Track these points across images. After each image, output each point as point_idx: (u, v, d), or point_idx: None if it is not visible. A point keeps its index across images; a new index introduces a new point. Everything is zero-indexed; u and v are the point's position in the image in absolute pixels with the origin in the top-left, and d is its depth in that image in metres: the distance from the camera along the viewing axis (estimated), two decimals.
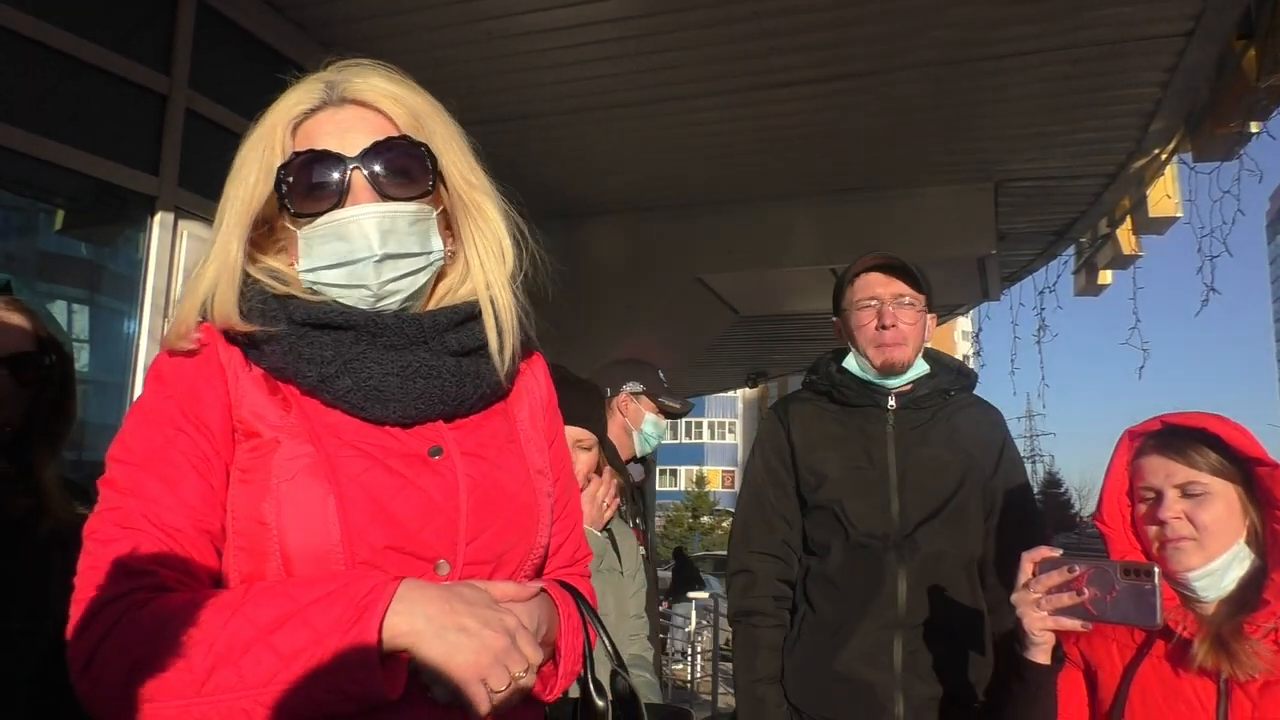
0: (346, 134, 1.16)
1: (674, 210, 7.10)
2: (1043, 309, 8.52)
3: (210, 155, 1.09)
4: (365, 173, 1.15)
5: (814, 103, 5.27)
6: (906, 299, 2.41)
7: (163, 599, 1.00)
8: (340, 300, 1.17)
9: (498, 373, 1.23)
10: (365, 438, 1.13)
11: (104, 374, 4.08)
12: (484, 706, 1.01)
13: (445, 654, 1.00)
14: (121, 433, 1.11)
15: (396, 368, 1.14)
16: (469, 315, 1.21)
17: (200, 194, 4.02)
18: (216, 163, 1.23)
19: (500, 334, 1.22)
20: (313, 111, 1.19)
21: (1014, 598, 1.67)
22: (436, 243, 1.20)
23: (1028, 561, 1.67)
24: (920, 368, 2.45)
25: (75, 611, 1.01)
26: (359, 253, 1.14)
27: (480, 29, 4.55)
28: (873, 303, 2.41)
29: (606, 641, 1.32)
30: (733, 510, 2.96)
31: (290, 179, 1.15)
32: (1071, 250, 8.07)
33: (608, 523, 2.57)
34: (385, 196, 1.15)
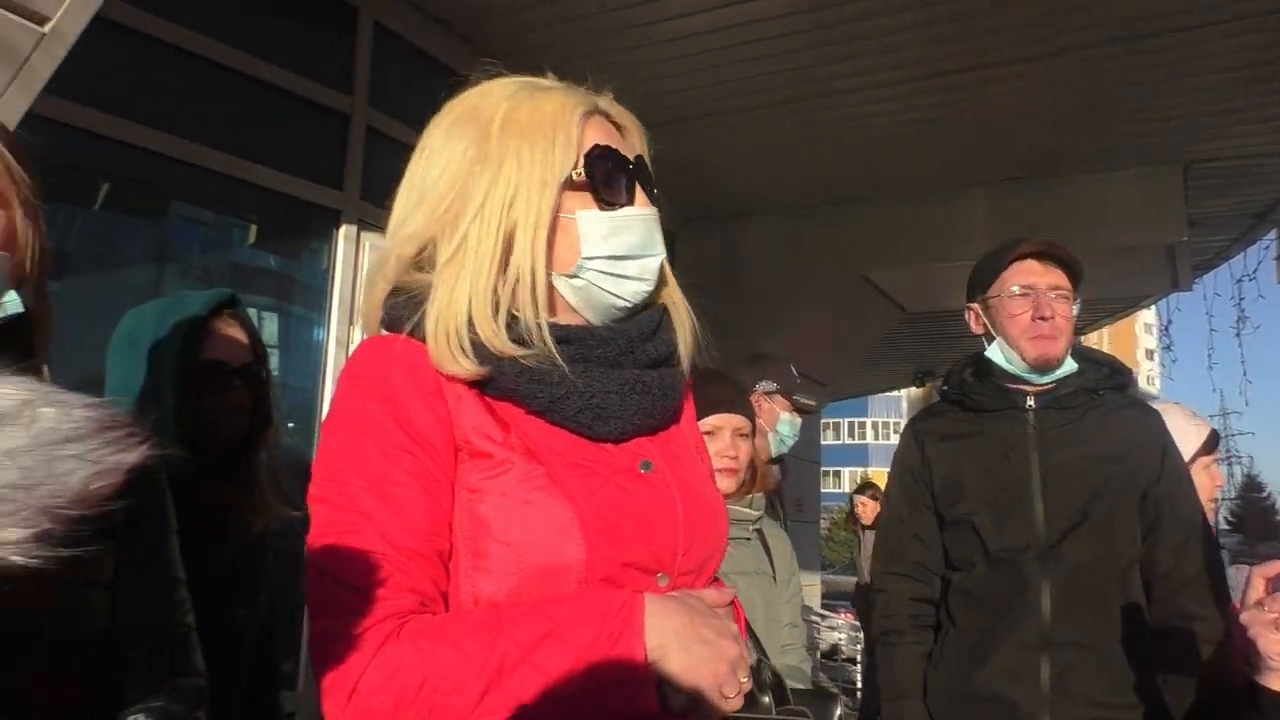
0: (622, 142, 1.21)
1: (839, 207, 6.97)
2: (1241, 298, 7.95)
3: (389, 169, 1.15)
4: (640, 180, 1.20)
5: (984, 89, 5.09)
6: (1064, 292, 2.27)
7: (416, 624, 1.00)
8: (610, 289, 1.17)
9: (684, 383, 1.26)
10: (585, 455, 1.13)
11: (293, 379, 4.35)
12: (720, 713, 1.03)
13: (690, 665, 1.00)
14: (329, 448, 1.09)
15: (615, 384, 1.15)
16: (658, 324, 1.22)
17: (381, 206, 4.21)
18: (395, 176, 1.25)
19: (685, 339, 1.24)
20: (591, 114, 1.20)
21: (1245, 618, 1.50)
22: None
23: (1259, 578, 1.50)
24: (1069, 365, 2.28)
25: (325, 644, 1.00)
26: (652, 249, 1.19)
27: (641, 34, 4.60)
28: (1030, 291, 2.26)
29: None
30: None
31: (597, 169, 1.16)
32: (1273, 234, 7.48)
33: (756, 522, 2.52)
34: (645, 205, 1.21)
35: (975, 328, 2.41)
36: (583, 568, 1.05)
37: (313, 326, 4.40)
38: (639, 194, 1.19)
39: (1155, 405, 3.15)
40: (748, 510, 2.46)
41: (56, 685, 1.18)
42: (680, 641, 1.01)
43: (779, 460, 3.41)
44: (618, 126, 1.23)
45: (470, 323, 1.09)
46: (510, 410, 1.11)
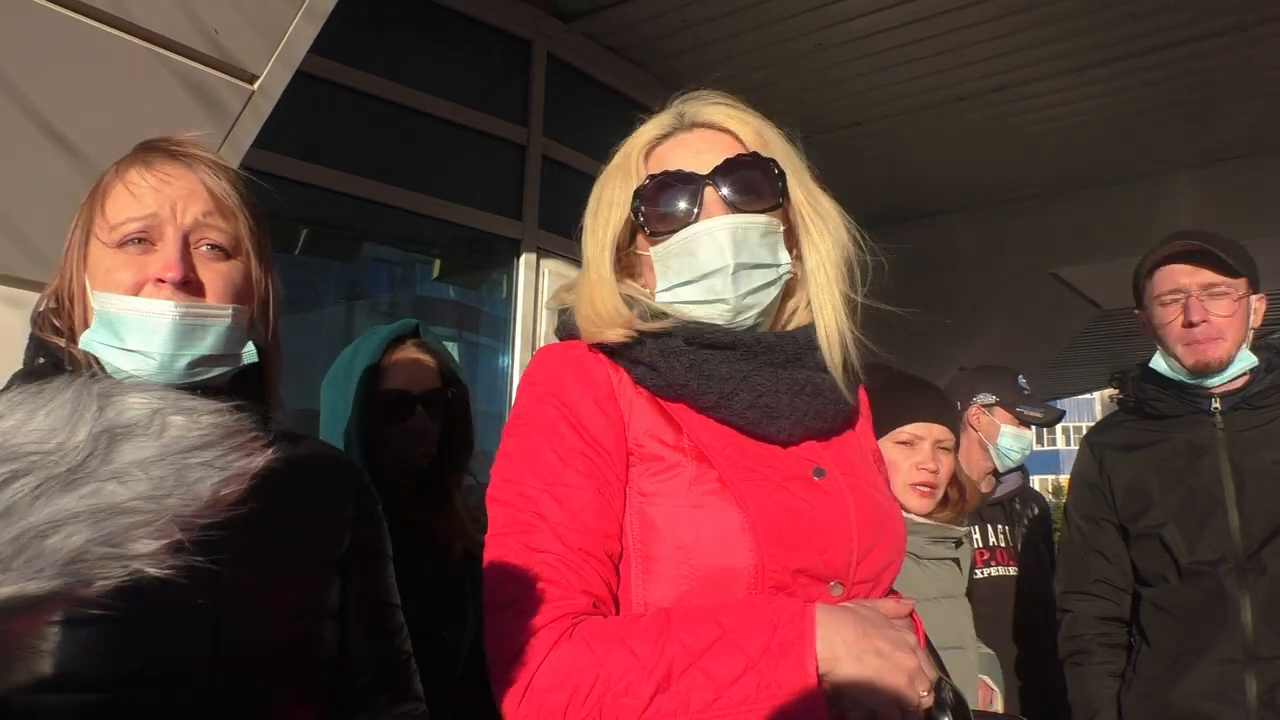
0: (699, 155, 1.19)
1: (1024, 203, 6.65)
2: None
3: (566, 197, 1.18)
4: (717, 188, 1.17)
5: (1183, 66, 4.73)
6: (1220, 288, 2.13)
7: (589, 624, 1.02)
8: (699, 317, 1.17)
9: (854, 392, 1.24)
10: (757, 460, 1.13)
11: (482, 406, 4.46)
12: None
13: (864, 677, 0.98)
14: (507, 450, 1.13)
15: (786, 385, 1.15)
16: (810, 341, 1.21)
17: (559, 234, 4.30)
18: (572, 204, 1.28)
19: (838, 357, 1.20)
20: (664, 138, 1.24)
21: None
22: (784, 255, 1.20)
23: None
24: (1245, 360, 2.13)
25: (500, 641, 1.03)
26: (713, 264, 1.15)
27: (810, 41, 4.52)
28: (1178, 296, 2.16)
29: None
30: None
31: (646, 199, 1.18)
32: None
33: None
34: (737, 210, 1.16)
35: (1145, 332, 2.32)
36: (752, 573, 1.06)
37: (497, 355, 4.51)
38: (709, 206, 1.16)
39: None
40: (953, 529, 2.31)
41: (297, 712, 1.21)
42: (853, 653, 0.98)
43: (1019, 469, 3.24)
44: (722, 130, 1.22)
45: (614, 309, 1.16)
46: (683, 413, 1.13)
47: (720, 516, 1.07)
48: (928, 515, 2.26)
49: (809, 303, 1.23)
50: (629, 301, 1.18)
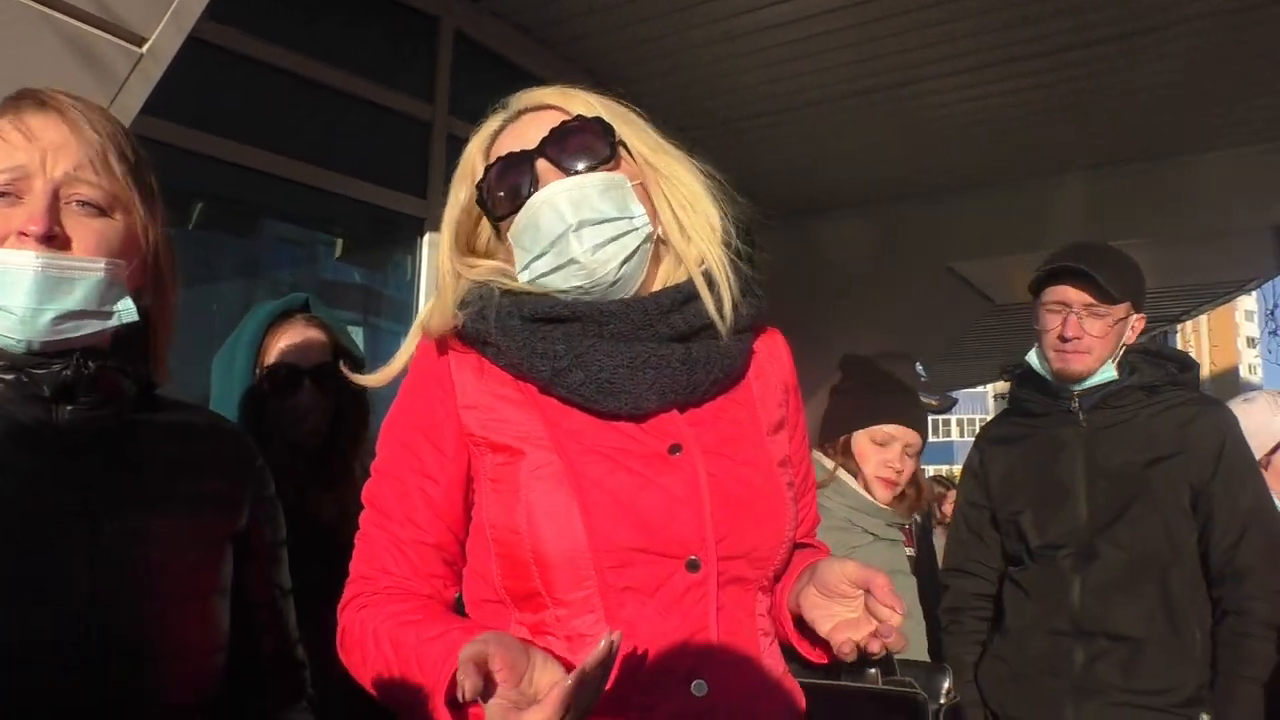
0: (527, 135, 1.20)
1: (921, 198, 6.79)
2: None
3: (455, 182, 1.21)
4: (546, 158, 1.18)
5: (1076, 70, 4.90)
6: (1100, 309, 2.30)
7: (374, 605, 1.16)
8: (560, 289, 1.17)
9: (729, 353, 1.21)
10: (605, 440, 1.14)
11: (380, 391, 4.37)
12: None
13: None
14: (379, 445, 1.24)
15: (625, 359, 1.13)
16: (690, 295, 1.18)
17: None
18: None
19: (722, 308, 1.18)
20: (498, 133, 1.25)
21: None
22: (637, 207, 1.18)
23: None
24: (1106, 374, 2.33)
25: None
26: (556, 228, 1.15)
27: (718, 29, 4.54)
28: (1060, 310, 2.34)
29: None
30: None
31: (487, 189, 1.21)
32: None
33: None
34: (571, 174, 1.18)
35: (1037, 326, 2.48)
36: (588, 552, 1.08)
37: (399, 338, 4.44)
38: (543, 176, 1.18)
39: (1246, 394, 3.10)
40: (904, 518, 2.63)
41: (184, 693, 1.17)
42: None
43: None
44: (548, 109, 1.23)
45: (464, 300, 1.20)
46: (530, 390, 1.16)
47: (552, 500, 1.10)
48: (887, 504, 2.57)
49: (682, 265, 1.22)
50: (485, 287, 1.20)
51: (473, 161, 1.26)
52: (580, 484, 1.10)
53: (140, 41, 1.89)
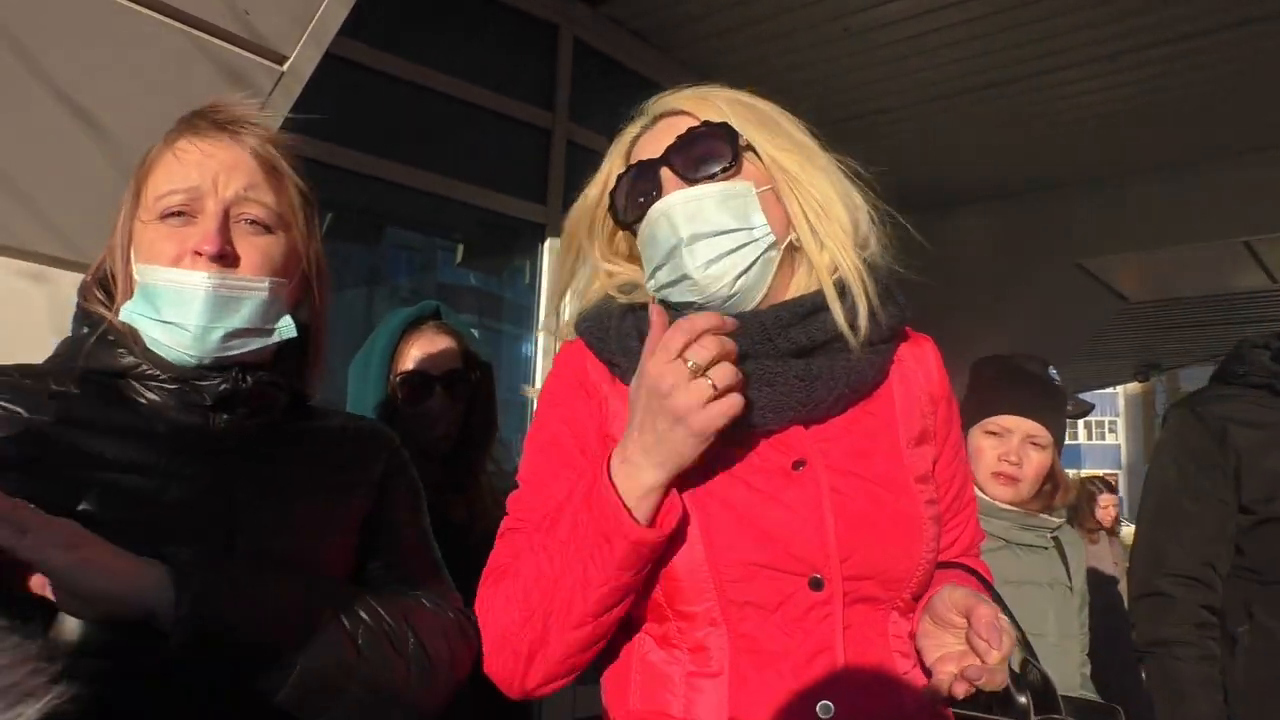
0: (658, 141, 1.20)
1: (1048, 193, 6.57)
2: None
3: (590, 182, 1.23)
4: (670, 167, 1.17)
5: (1215, 55, 4.66)
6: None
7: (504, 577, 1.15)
8: (675, 303, 1.16)
9: (858, 366, 1.16)
10: (729, 456, 1.12)
11: (506, 394, 4.45)
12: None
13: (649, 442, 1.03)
14: (524, 452, 1.24)
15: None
16: (816, 307, 1.15)
17: None
18: None
19: (855, 318, 1.14)
20: (637, 138, 1.26)
21: None
22: (758, 218, 1.15)
23: None
24: None
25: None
26: (670, 241, 1.14)
27: (837, 26, 4.49)
28: None
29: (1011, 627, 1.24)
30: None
31: (617, 196, 1.22)
32: None
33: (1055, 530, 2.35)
34: (691, 183, 1.16)
35: None
36: (706, 565, 1.08)
37: (521, 342, 4.51)
38: (665, 185, 1.17)
39: None
40: (1046, 518, 2.33)
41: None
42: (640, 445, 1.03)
43: None
44: (681, 114, 1.22)
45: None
46: None
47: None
48: (1017, 504, 2.28)
49: (813, 274, 1.18)
50: (603, 304, 1.23)
51: (611, 165, 1.27)
52: (699, 498, 1.09)
53: (282, 60, 1.96)
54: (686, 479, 1.08)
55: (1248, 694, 2.04)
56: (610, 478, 1.03)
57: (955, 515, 1.29)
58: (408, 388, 2.02)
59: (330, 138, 3.48)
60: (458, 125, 4.07)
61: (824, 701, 1.06)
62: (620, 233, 1.28)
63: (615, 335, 1.17)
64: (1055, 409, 2.35)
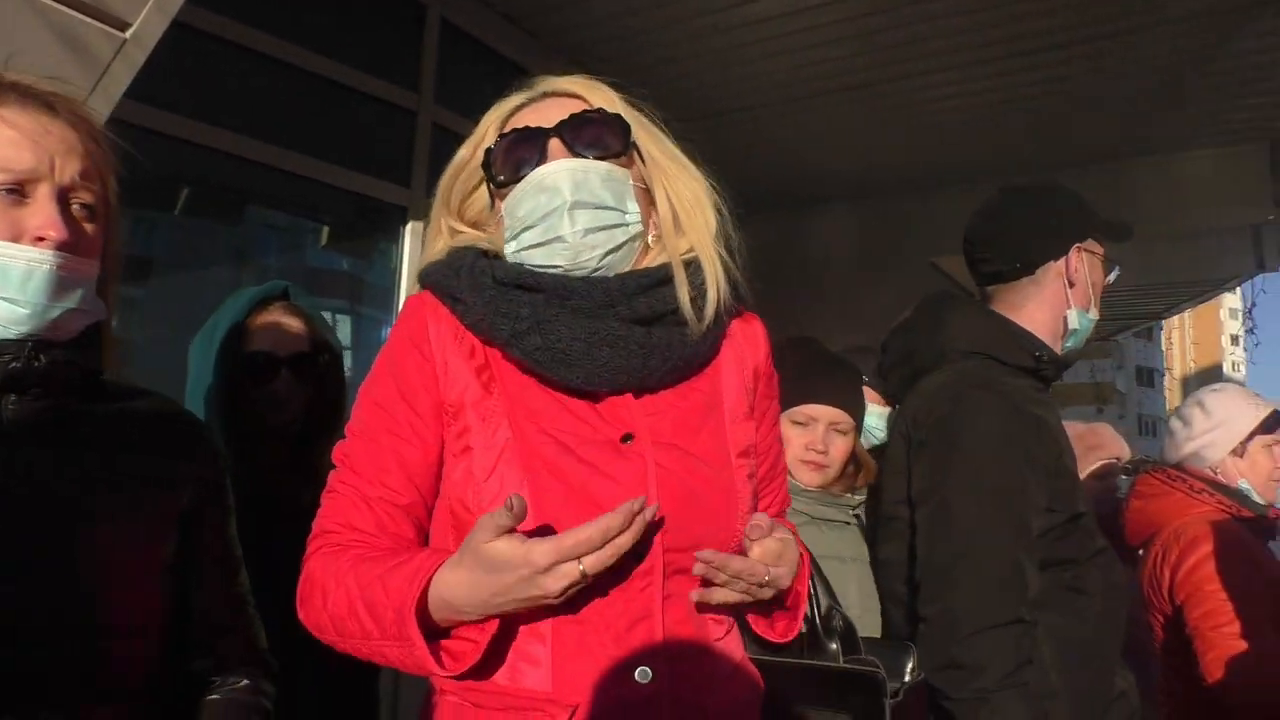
0: (546, 114, 1.25)
1: (906, 193, 6.84)
2: None
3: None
4: (561, 139, 1.22)
5: (1060, 69, 4.93)
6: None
7: (335, 553, 1.17)
8: (541, 266, 1.20)
9: (693, 341, 1.22)
10: (561, 424, 1.16)
11: (363, 378, 4.37)
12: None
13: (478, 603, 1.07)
14: (355, 405, 1.25)
15: (584, 333, 1.16)
16: (661, 279, 1.21)
17: None
18: None
19: (697, 297, 1.21)
20: (520, 108, 1.29)
21: None
22: (633, 205, 1.23)
23: None
24: None
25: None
26: (552, 202, 1.18)
27: (705, 23, 4.55)
28: None
29: (818, 582, 1.39)
30: None
31: (497, 155, 1.25)
32: None
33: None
34: (579, 156, 1.21)
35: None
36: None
37: (383, 326, 4.44)
38: (552, 153, 1.22)
39: (1214, 385, 2.99)
40: (849, 497, 2.43)
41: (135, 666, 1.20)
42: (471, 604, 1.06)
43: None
44: (573, 96, 1.28)
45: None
46: (494, 357, 1.20)
47: (503, 481, 1.13)
48: (823, 487, 2.38)
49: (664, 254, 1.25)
50: (467, 248, 1.26)
51: (486, 128, 1.29)
52: (532, 467, 1.13)
53: (124, 26, 1.89)
54: (520, 440, 1.13)
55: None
56: (428, 606, 1.08)
57: (770, 482, 1.37)
58: (253, 368, 1.97)
59: (185, 111, 3.35)
60: (321, 104, 3.97)
61: (643, 667, 1.11)
62: (470, 199, 1.31)
63: (467, 274, 1.20)
64: (855, 391, 2.46)
